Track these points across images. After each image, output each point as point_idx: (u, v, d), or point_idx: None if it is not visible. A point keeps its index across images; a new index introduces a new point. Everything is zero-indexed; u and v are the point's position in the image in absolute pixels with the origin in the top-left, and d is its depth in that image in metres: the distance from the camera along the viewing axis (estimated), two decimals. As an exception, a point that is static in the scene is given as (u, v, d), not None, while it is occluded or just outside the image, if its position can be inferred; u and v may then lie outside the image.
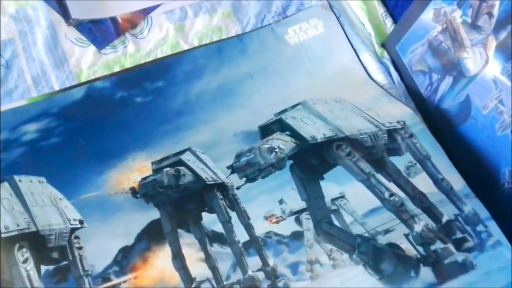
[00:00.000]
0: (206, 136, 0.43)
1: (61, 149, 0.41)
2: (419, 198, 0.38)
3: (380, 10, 0.51)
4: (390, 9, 0.51)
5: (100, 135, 0.42)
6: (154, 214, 0.37)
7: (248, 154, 0.41)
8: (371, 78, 0.48)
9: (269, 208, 0.38)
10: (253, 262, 0.35)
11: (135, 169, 0.40)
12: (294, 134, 0.43)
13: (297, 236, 0.37)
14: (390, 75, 0.49)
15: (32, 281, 0.33)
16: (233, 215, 0.38)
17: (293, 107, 0.45)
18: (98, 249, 0.35)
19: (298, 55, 0.49)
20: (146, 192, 0.38)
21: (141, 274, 0.34)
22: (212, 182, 0.39)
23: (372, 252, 0.35)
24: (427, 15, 0.44)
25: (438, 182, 0.40)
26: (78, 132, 0.42)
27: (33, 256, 0.35)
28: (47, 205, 0.37)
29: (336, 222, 0.38)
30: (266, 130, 0.43)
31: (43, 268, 0.35)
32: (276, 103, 0.46)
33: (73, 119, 0.43)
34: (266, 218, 0.37)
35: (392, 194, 0.38)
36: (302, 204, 0.38)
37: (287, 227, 0.37)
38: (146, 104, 0.45)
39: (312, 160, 0.41)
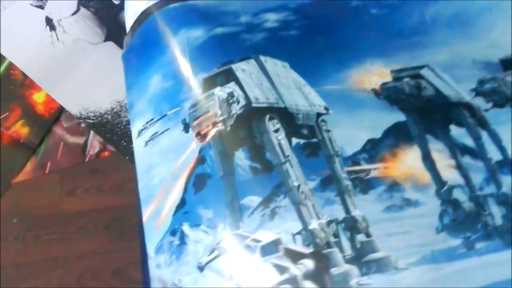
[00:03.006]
0: (443, 57, 0.44)
1: (300, 41, 0.44)
2: None
3: None
4: None
5: (336, 36, 0.45)
6: (399, 116, 0.39)
7: (492, 82, 0.42)
8: None
9: (521, 135, 0.38)
10: (506, 181, 0.36)
11: (374, 73, 0.42)
12: (539, 75, 0.43)
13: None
14: None
15: (283, 149, 0.37)
16: (483, 134, 0.38)
17: (536, 50, 0.45)
18: (345, 136, 0.38)
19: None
20: (388, 95, 0.40)
21: (391, 166, 0.36)
22: (456, 100, 0.40)
23: None
24: None
25: None
26: (315, 30, 0.45)
27: (284, 128, 0.38)
28: (292, 87, 0.40)
29: None
30: (508, 64, 0.43)
31: (294, 140, 0.38)
32: (514, 42, 0.46)
33: (310, 17, 0.46)
34: (519, 144, 0.38)
35: None
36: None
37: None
38: (380, 16, 0.46)
39: None
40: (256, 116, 0.38)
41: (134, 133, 0.44)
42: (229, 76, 0.40)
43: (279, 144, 0.37)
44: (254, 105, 0.38)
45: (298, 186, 0.35)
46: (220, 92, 0.39)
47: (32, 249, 0.58)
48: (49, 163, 0.62)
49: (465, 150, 0.38)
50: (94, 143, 0.63)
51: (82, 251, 0.59)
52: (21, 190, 0.61)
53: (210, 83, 0.40)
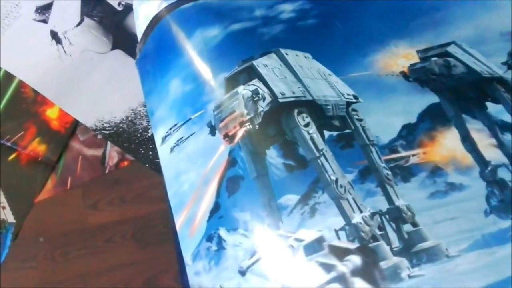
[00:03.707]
0: (468, 32, 0.43)
1: (319, 29, 0.43)
2: None
3: None
4: None
5: (355, 21, 0.44)
6: (432, 98, 0.38)
7: (522, 53, 0.40)
8: None
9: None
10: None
11: (400, 55, 0.41)
12: None
13: None
14: None
15: (316, 143, 0.36)
16: (520, 108, 0.37)
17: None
18: (379, 123, 0.37)
19: None
20: (418, 77, 0.39)
21: (430, 151, 0.35)
22: (489, 76, 0.39)
23: None
24: None
25: None
26: (333, 16, 0.44)
27: (314, 122, 0.37)
28: (317, 78, 0.40)
29: None
30: (537, 34, 0.42)
31: (326, 133, 0.37)
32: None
33: (326, 3, 0.45)
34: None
35: None
36: None
37: None
38: (397, -4, 0.45)
39: None
40: (284, 112, 0.37)
41: (157, 141, 0.43)
42: (251, 73, 0.39)
43: (311, 138, 0.36)
44: (280, 100, 0.37)
45: (336, 180, 0.34)
46: (244, 90, 0.38)
47: (62, 266, 0.58)
48: (69, 179, 0.61)
49: (505, 127, 0.37)
50: (113, 153, 0.63)
51: (111, 264, 0.59)
52: (45, 208, 0.60)
53: (232, 82, 0.40)
